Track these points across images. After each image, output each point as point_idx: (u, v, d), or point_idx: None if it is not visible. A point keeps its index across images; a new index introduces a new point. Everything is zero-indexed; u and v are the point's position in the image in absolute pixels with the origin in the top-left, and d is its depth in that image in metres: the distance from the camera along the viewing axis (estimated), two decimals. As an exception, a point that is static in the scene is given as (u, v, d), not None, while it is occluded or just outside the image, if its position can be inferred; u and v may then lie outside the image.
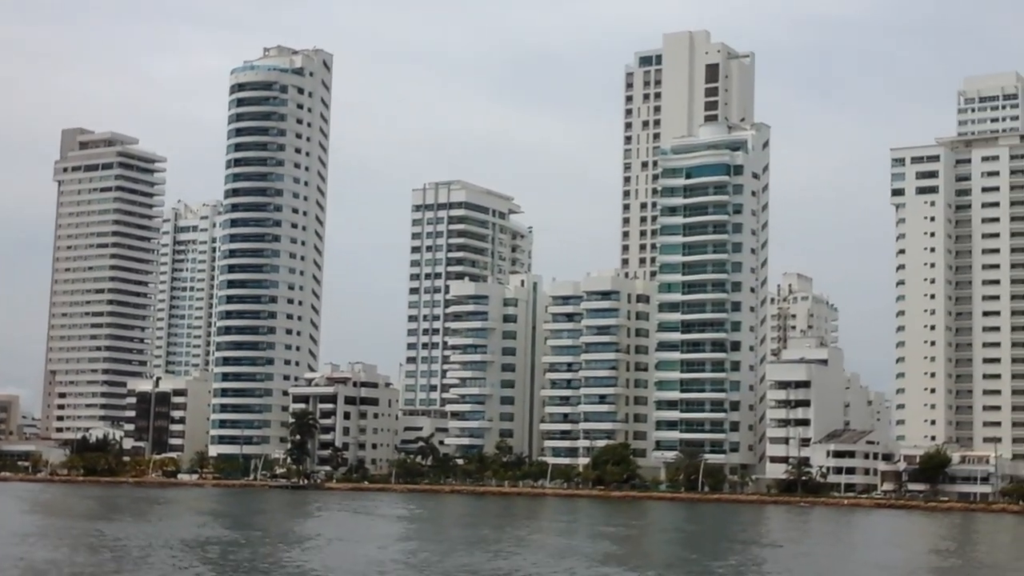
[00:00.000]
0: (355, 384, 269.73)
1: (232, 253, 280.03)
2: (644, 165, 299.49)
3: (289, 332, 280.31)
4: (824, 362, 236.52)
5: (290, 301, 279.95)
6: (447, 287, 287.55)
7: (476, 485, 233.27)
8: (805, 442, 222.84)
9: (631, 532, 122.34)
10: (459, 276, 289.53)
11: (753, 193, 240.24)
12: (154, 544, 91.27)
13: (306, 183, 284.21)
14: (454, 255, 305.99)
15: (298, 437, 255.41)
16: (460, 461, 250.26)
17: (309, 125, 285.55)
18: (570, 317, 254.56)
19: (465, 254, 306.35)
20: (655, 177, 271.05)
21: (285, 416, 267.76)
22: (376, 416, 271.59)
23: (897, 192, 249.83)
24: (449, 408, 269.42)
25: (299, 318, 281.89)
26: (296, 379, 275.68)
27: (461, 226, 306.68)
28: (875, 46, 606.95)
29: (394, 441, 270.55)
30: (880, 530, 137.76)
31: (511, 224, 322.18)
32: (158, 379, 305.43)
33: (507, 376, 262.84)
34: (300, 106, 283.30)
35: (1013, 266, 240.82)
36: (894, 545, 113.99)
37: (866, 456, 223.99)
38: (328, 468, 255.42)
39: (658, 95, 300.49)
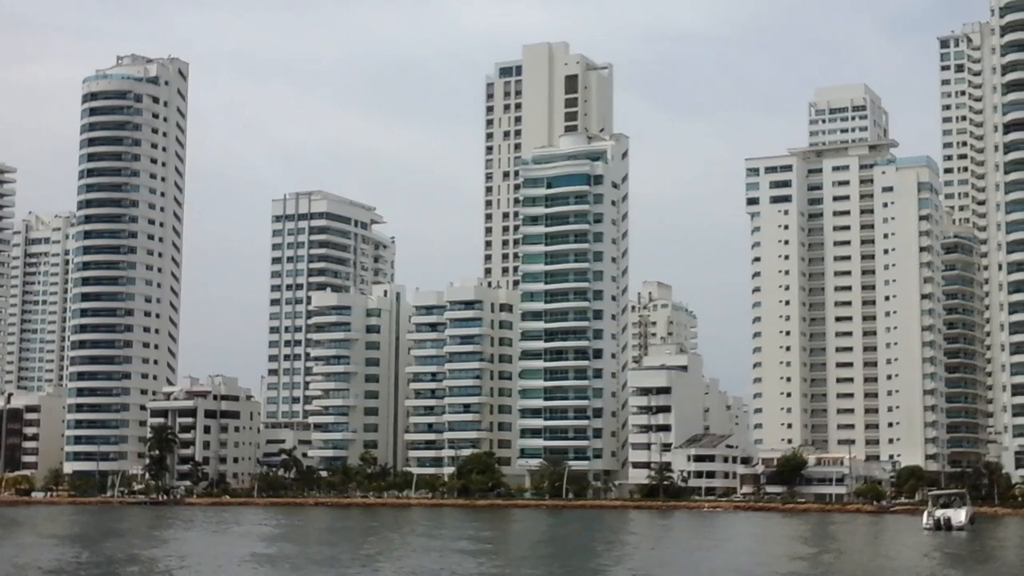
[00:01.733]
0: (215, 397, 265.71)
1: (86, 265, 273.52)
2: (506, 175, 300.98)
3: (146, 345, 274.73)
4: (684, 368, 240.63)
5: (147, 314, 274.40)
6: (309, 298, 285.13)
7: (340, 497, 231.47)
8: (666, 447, 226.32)
9: (496, 539, 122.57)
10: (321, 287, 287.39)
11: (613, 203, 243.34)
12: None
13: (162, 193, 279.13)
14: (316, 266, 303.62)
15: (156, 452, 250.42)
16: (324, 473, 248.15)
17: (165, 135, 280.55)
18: (434, 327, 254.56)
19: (327, 265, 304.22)
20: (517, 187, 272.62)
21: (143, 431, 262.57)
22: (237, 429, 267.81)
23: (752, 201, 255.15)
24: (312, 420, 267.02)
25: (156, 331, 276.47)
26: (154, 393, 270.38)
27: (323, 236, 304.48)
28: (730, 58, 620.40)
29: (256, 454, 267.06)
30: (740, 531, 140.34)
31: (374, 234, 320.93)
32: (10, 395, 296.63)
33: (371, 387, 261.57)
34: (155, 115, 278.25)
35: (863, 272, 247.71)
36: (754, 545, 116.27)
37: (725, 460, 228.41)
38: (188, 483, 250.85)
39: (518, 106, 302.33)
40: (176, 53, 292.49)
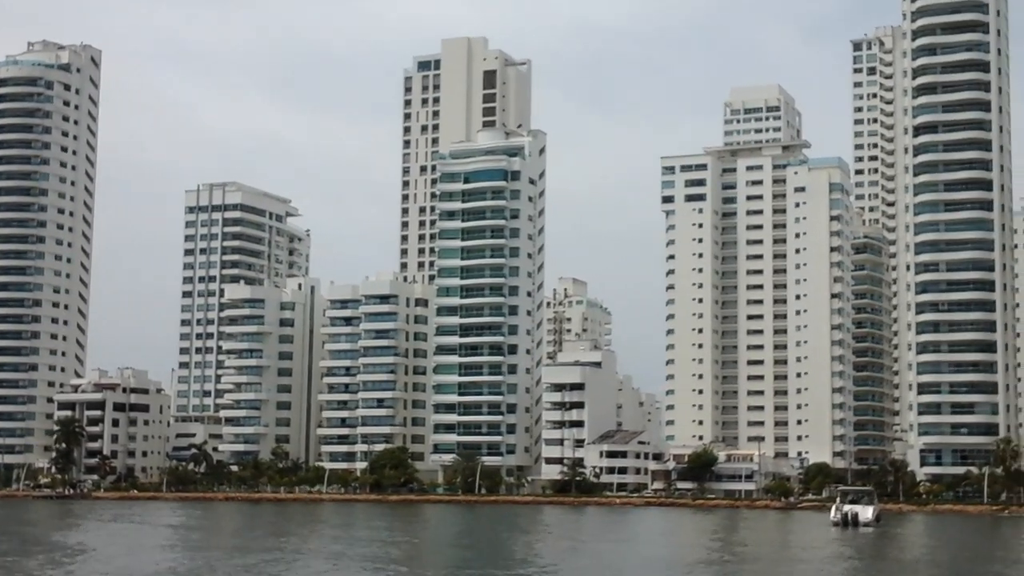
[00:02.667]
0: (124, 390, 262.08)
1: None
2: (423, 169, 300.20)
3: (54, 337, 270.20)
4: (598, 365, 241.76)
5: (55, 304, 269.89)
6: (222, 291, 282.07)
7: (251, 492, 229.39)
8: (579, 443, 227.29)
9: (407, 535, 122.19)
10: (234, 279, 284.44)
11: (530, 198, 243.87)
12: None
13: (72, 182, 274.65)
14: (229, 258, 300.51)
15: (63, 445, 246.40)
16: (235, 468, 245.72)
17: (76, 123, 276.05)
18: (348, 321, 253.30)
19: (241, 257, 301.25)
20: (434, 182, 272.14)
21: (49, 424, 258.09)
22: (146, 423, 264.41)
23: (667, 200, 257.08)
24: (223, 414, 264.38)
25: (65, 322, 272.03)
26: (61, 385, 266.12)
27: (237, 228, 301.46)
28: (648, 56, 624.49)
29: (165, 448, 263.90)
30: (651, 526, 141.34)
31: (288, 227, 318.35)
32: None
33: (283, 381, 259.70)
34: (67, 103, 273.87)
35: (775, 271, 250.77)
36: (664, 540, 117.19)
37: (637, 456, 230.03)
38: (95, 477, 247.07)
39: (437, 100, 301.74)
40: (90, 40, 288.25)
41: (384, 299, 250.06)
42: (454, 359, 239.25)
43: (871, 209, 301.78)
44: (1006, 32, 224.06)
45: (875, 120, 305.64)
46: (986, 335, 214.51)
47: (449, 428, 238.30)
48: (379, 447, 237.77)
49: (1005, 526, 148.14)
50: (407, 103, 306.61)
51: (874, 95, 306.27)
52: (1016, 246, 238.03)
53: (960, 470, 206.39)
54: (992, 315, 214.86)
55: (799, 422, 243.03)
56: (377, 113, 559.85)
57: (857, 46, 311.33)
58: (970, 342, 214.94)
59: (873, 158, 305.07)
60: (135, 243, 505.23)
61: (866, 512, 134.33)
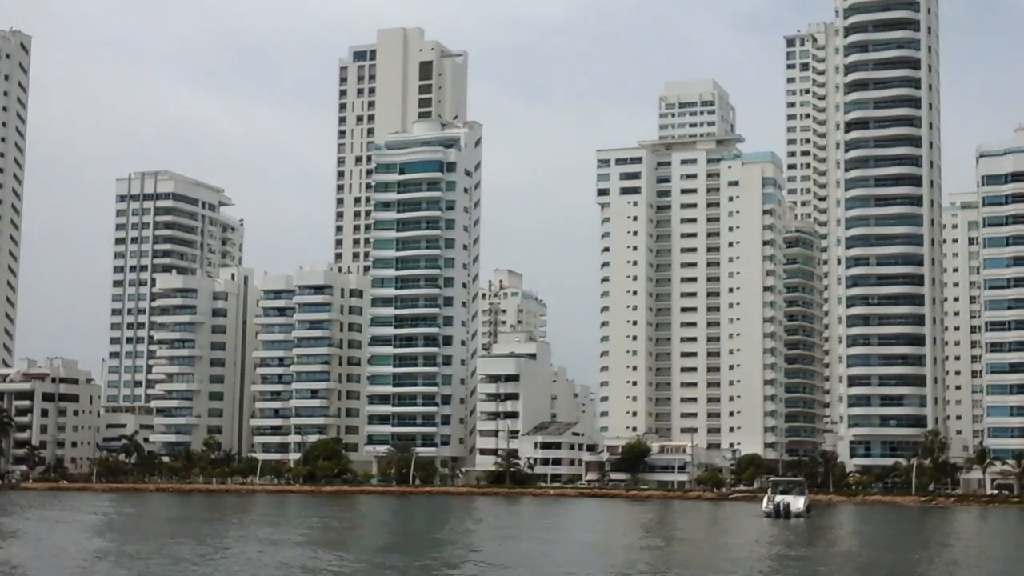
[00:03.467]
0: (54, 380, 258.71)
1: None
2: (358, 160, 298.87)
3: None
4: (533, 356, 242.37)
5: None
6: (153, 280, 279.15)
7: (183, 483, 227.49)
8: (514, 434, 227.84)
9: (341, 524, 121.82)
10: (166, 269, 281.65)
11: (466, 190, 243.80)
12: None
13: (0, 170, 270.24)
14: (161, 247, 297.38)
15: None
16: (166, 459, 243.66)
17: (4, 109, 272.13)
18: (282, 311, 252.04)
19: (173, 246, 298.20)
20: (369, 172, 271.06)
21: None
22: (76, 413, 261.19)
23: (602, 192, 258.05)
24: (155, 404, 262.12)
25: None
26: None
27: (169, 218, 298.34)
28: (585, 49, 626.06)
29: (96, 439, 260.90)
30: (585, 517, 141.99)
31: (222, 216, 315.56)
32: None
33: (216, 371, 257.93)
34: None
35: (709, 264, 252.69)
36: (598, 529, 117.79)
37: (571, 447, 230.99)
38: (24, 468, 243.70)
39: (372, 90, 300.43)
40: (18, 26, 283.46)
41: (318, 290, 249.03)
42: (389, 350, 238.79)
43: (803, 203, 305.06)
44: (937, 30, 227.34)
45: (808, 116, 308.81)
46: (915, 328, 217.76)
47: (383, 419, 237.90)
48: (313, 438, 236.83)
49: (933, 516, 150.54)
50: (342, 93, 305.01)
51: (807, 91, 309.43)
52: (945, 241, 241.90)
53: (889, 461, 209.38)
54: (921, 309, 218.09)
55: (731, 414, 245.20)
56: (312, 103, 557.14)
57: (790, 42, 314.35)
58: (899, 335, 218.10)
59: (805, 153, 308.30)
60: (66, 232, 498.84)
61: (798, 503, 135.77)
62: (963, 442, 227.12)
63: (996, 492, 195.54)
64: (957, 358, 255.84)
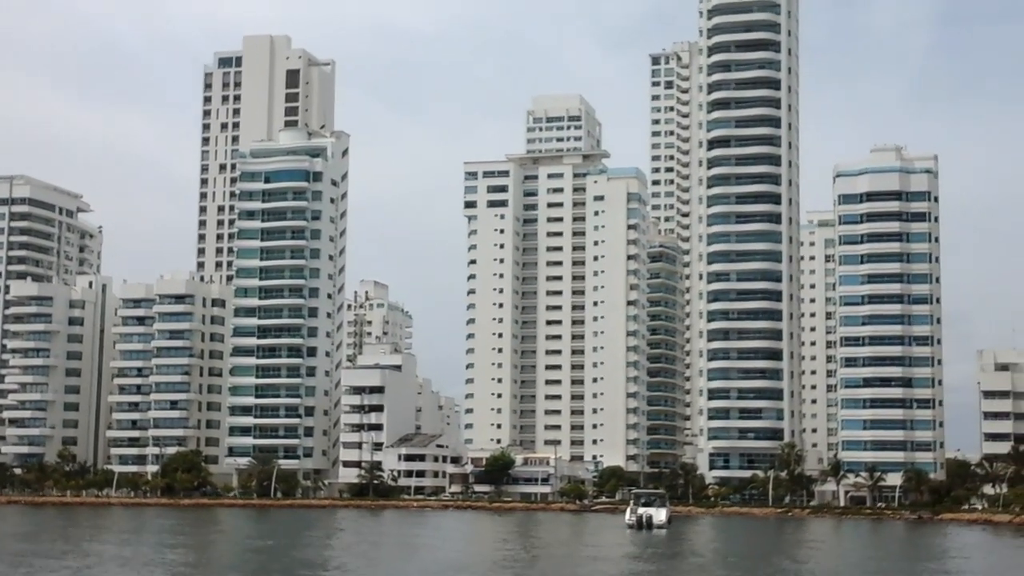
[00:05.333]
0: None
1: None
2: (222, 168, 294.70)
3: None
4: (398, 368, 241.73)
5: None
6: (7, 287, 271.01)
7: (35, 496, 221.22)
8: (378, 446, 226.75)
9: (197, 539, 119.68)
10: (21, 276, 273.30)
11: (332, 200, 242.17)
12: None
13: None
14: (16, 254, 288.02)
15: None
16: (18, 471, 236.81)
17: None
18: (141, 321, 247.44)
19: (28, 253, 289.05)
20: (234, 180, 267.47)
21: None
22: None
23: (469, 204, 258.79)
24: (7, 415, 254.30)
25: None
26: None
27: (24, 223, 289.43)
28: (454, 61, 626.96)
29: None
30: (448, 529, 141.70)
31: (79, 223, 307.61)
32: None
33: (72, 381, 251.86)
34: None
35: (574, 278, 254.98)
36: (461, 541, 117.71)
37: (436, 459, 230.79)
38: None
39: (237, 97, 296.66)
40: None
41: (179, 299, 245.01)
42: (251, 361, 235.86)
43: (667, 219, 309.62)
44: (797, 51, 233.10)
45: (672, 132, 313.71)
46: (773, 343, 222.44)
47: (245, 431, 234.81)
48: (171, 450, 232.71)
49: (788, 527, 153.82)
50: (207, 100, 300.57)
51: (671, 108, 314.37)
52: (802, 258, 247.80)
53: (747, 474, 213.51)
54: (779, 324, 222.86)
55: (595, 426, 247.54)
56: (176, 109, 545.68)
57: (655, 60, 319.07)
58: (758, 350, 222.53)
59: (669, 169, 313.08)
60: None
61: (660, 515, 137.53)
62: (818, 455, 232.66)
63: (849, 504, 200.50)
64: (813, 372, 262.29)
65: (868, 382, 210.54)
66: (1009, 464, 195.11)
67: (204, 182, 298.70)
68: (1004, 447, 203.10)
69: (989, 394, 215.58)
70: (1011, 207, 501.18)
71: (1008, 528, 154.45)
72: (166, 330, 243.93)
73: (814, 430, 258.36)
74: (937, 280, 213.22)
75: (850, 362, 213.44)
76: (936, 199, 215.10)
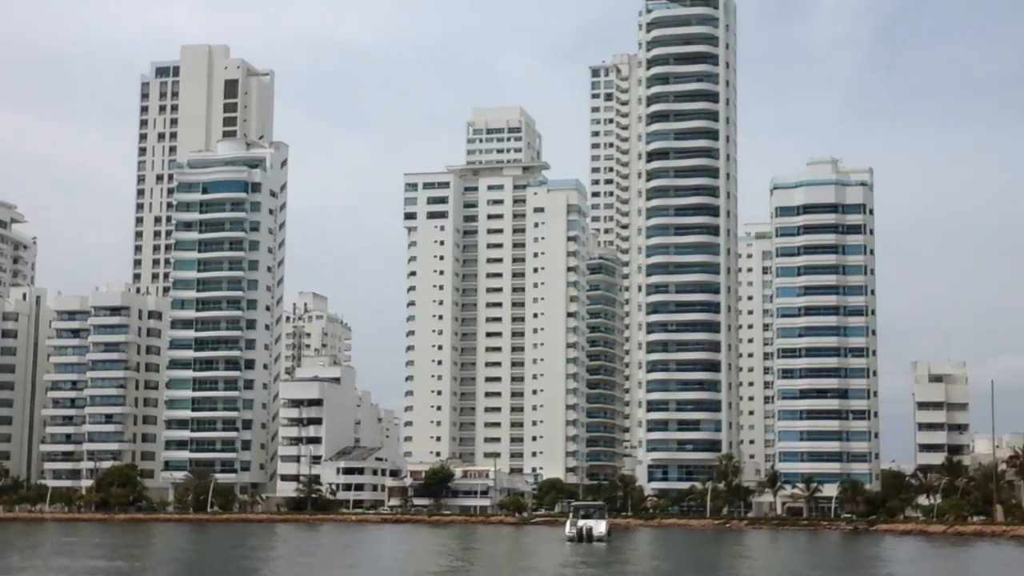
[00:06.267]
0: None
1: None
2: (159, 178, 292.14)
3: None
4: (337, 380, 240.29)
5: None
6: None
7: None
8: (316, 460, 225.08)
9: (131, 555, 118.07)
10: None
11: (271, 211, 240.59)
12: None
13: None
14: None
15: None
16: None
17: None
18: (76, 333, 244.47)
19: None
20: (171, 191, 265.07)
21: None
22: None
23: (409, 216, 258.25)
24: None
25: None
26: None
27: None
28: (395, 73, 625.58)
29: None
30: (386, 543, 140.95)
31: (13, 234, 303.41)
32: None
33: (4, 395, 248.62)
34: None
35: (514, 289, 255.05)
36: (399, 555, 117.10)
37: (375, 472, 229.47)
38: None
39: (175, 107, 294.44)
40: None
41: (115, 311, 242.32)
42: (188, 374, 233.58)
43: (607, 231, 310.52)
44: (734, 65, 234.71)
45: (611, 145, 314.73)
46: (711, 355, 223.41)
47: (181, 444, 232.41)
48: (106, 464, 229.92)
49: (726, 538, 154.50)
50: (144, 110, 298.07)
51: (611, 120, 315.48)
52: (740, 270, 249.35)
53: (685, 485, 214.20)
54: (717, 336, 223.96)
55: (534, 438, 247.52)
56: (112, 119, 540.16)
57: (595, 72, 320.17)
58: (696, 361, 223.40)
59: (609, 181, 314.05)
60: None
61: (600, 527, 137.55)
62: (756, 466, 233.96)
63: (786, 515, 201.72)
64: (751, 384, 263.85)
65: (804, 393, 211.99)
66: (943, 475, 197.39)
67: (141, 193, 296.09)
68: (938, 458, 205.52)
69: (923, 405, 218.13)
70: (943, 221, 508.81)
71: (942, 538, 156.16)
72: (101, 343, 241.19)
73: (752, 441, 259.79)
74: (872, 292, 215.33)
75: (787, 373, 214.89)
76: (871, 212, 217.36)
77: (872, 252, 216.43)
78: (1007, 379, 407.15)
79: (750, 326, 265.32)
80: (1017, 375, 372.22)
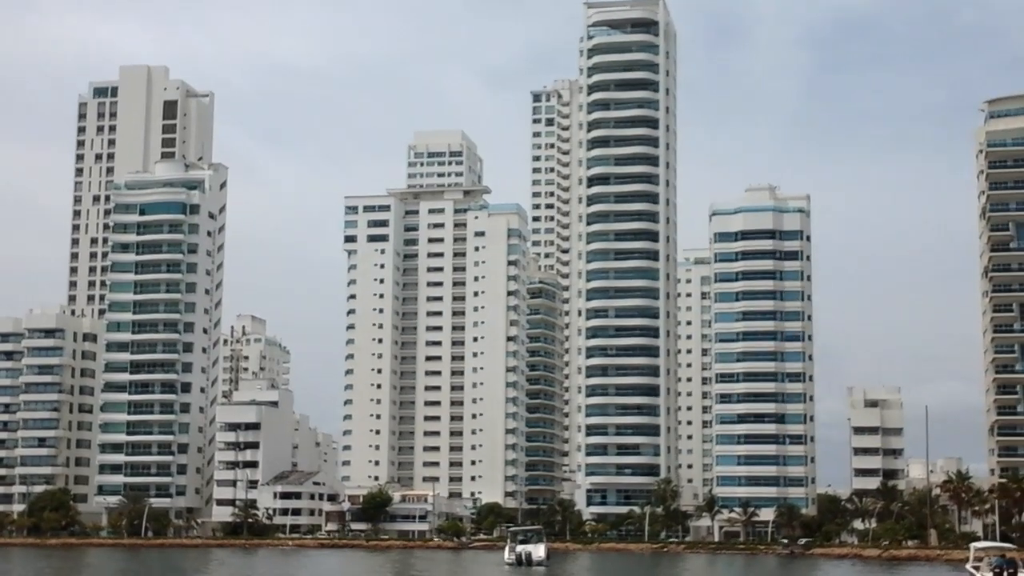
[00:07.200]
0: None
1: None
2: (96, 199, 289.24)
3: None
4: (275, 404, 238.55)
5: None
6: None
7: None
8: (253, 484, 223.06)
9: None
10: None
11: (209, 233, 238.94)
12: None
13: None
14: None
15: None
16: None
17: None
18: (9, 355, 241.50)
19: None
20: (108, 212, 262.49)
21: None
22: None
23: (350, 239, 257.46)
24: None
25: None
26: None
27: None
28: (336, 96, 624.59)
29: None
30: (323, 568, 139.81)
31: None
32: None
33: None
34: None
35: (454, 313, 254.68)
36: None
37: (312, 497, 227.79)
38: None
39: (113, 128, 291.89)
40: None
41: (49, 333, 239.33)
42: (123, 397, 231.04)
43: (547, 255, 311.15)
44: (674, 92, 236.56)
45: (552, 169, 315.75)
46: (650, 379, 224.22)
47: (116, 468, 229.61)
48: (39, 488, 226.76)
49: (664, 562, 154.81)
50: (81, 130, 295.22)
51: (552, 145, 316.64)
52: (679, 295, 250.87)
53: (624, 509, 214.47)
54: (656, 360, 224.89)
55: (473, 462, 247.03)
56: (48, 139, 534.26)
57: (537, 97, 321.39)
58: (635, 386, 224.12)
59: (550, 206, 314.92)
60: None
61: (539, 551, 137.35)
62: (694, 490, 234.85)
63: (723, 539, 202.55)
64: (689, 408, 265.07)
65: (742, 418, 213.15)
66: (878, 499, 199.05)
67: (77, 214, 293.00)
68: (873, 482, 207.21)
69: (859, 430, 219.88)
70: (879, 247, 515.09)
71: (877, 562, 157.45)
72: (35, 365, 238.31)
73: (690, 465, 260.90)
74: (809, 318, 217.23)
75: (725, 398, 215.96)
76: (808, 238, 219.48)
77: (809, 278, 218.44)
78: (941, 404, 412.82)
79: (689, 351, 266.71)
80: (950, 400, 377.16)
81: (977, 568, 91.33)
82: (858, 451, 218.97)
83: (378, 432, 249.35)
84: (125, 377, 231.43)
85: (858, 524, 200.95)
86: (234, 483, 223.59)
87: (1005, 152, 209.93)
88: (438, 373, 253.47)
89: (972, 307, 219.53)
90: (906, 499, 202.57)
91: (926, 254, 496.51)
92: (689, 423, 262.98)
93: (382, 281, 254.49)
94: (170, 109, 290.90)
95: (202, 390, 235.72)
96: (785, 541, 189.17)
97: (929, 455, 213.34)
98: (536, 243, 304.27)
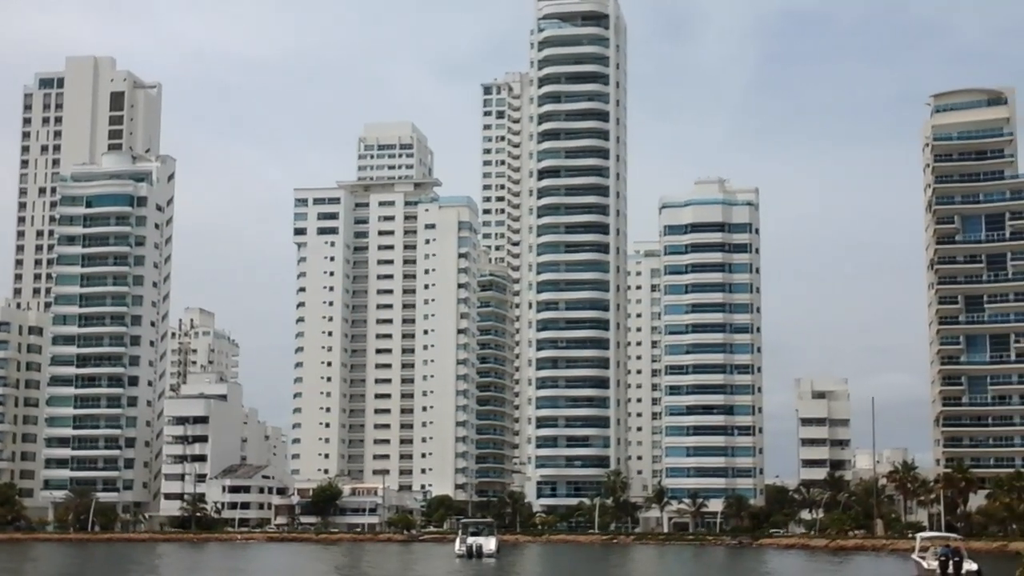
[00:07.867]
0: None
1: None
2: (42, 191, 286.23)
3: None
4: (223, 397, 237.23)
5: None
6: None
7: None
8: (201, 478, 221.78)
9: (12, 572, 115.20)
10: None
11: (157, 226, 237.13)
12: None
13: None
14: None
15: None
16: None
17: None
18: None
19: None
20: (54, 204, 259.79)
21: None
22: None
23: (299, 232, 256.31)
24: None
25: None
26: None
27: None
28: (285, 87, 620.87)
29: None
30: (272, 562, 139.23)
31: None
32: None
33: None
34: None
35: (404, 306, 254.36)
36: (283, 574, 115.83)
37: (261, 491, 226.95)
38: None
39: (59, 119, 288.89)
40: None
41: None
42: (70, 391, 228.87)
43: (498, 248, 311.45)
44: (624, 85, 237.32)
45: (503, 162, 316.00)
46: (600, 372, 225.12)
47: (62, 463, 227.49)
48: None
49: (613, 553, 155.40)
50: (27, 122, 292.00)
51: (503, 138, 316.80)
52: (629, 288, 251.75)
53: (574, 501, 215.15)
54: (606, 353, 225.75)
55: (423, 455, 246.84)
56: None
57: (488, 90, 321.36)
58: (585, 378, 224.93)
59: (500, 199, 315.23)
60: None
61: (489, 543, 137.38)
62: (643, 482, 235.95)
63: (672, 530, 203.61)
64: (639, 400, 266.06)
65: (691, 410, 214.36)
66: (825, 490, 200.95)
67: (23, 206, 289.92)
68: (820, 473, 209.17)
69: (806, 421, 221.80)
70: (828, 240, 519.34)
71: (823, 552, 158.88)
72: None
73: (640, 457, 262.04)
74: (758, 310, 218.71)
75: (674, 390, 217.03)
76: (757, 231, 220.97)
77: (758, 271, 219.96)
78: (887, 395, 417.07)
79: (639, 343, 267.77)
80: (896, 391, 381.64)
81: (923, 557, 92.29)
82: (805, 442, 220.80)
83: (328, 425, 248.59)
84: (71, 371, 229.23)
85: (806, 514, 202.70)
86: (182, 477, 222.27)
87: (951, 146, 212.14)
88: (388, 366, 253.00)
89: (918, 299, 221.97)
90: (853, 489, 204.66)
91: (874, 247, 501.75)
92: (639, 415, 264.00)
93: (332, 274, 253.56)
94: (117, 100, 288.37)
95: (150, 383, 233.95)
96: (735, 531, 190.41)
97: (876, 446, 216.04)
98: (487, 236, 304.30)
